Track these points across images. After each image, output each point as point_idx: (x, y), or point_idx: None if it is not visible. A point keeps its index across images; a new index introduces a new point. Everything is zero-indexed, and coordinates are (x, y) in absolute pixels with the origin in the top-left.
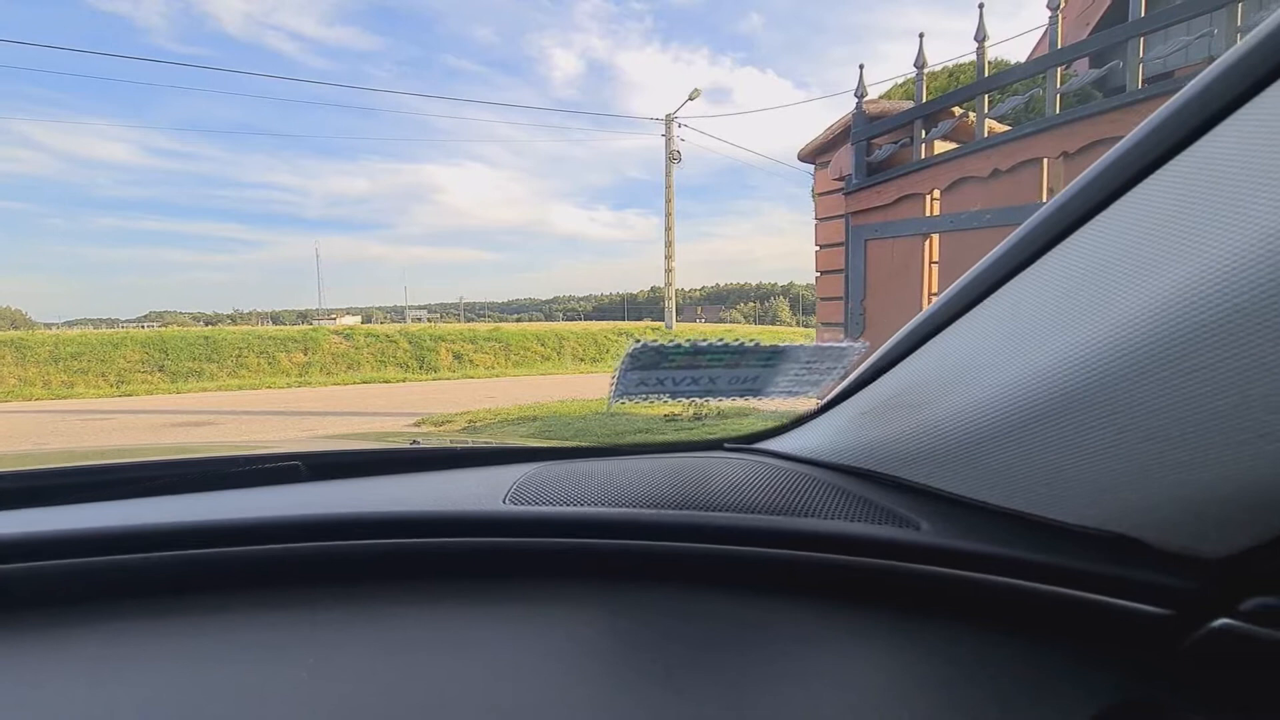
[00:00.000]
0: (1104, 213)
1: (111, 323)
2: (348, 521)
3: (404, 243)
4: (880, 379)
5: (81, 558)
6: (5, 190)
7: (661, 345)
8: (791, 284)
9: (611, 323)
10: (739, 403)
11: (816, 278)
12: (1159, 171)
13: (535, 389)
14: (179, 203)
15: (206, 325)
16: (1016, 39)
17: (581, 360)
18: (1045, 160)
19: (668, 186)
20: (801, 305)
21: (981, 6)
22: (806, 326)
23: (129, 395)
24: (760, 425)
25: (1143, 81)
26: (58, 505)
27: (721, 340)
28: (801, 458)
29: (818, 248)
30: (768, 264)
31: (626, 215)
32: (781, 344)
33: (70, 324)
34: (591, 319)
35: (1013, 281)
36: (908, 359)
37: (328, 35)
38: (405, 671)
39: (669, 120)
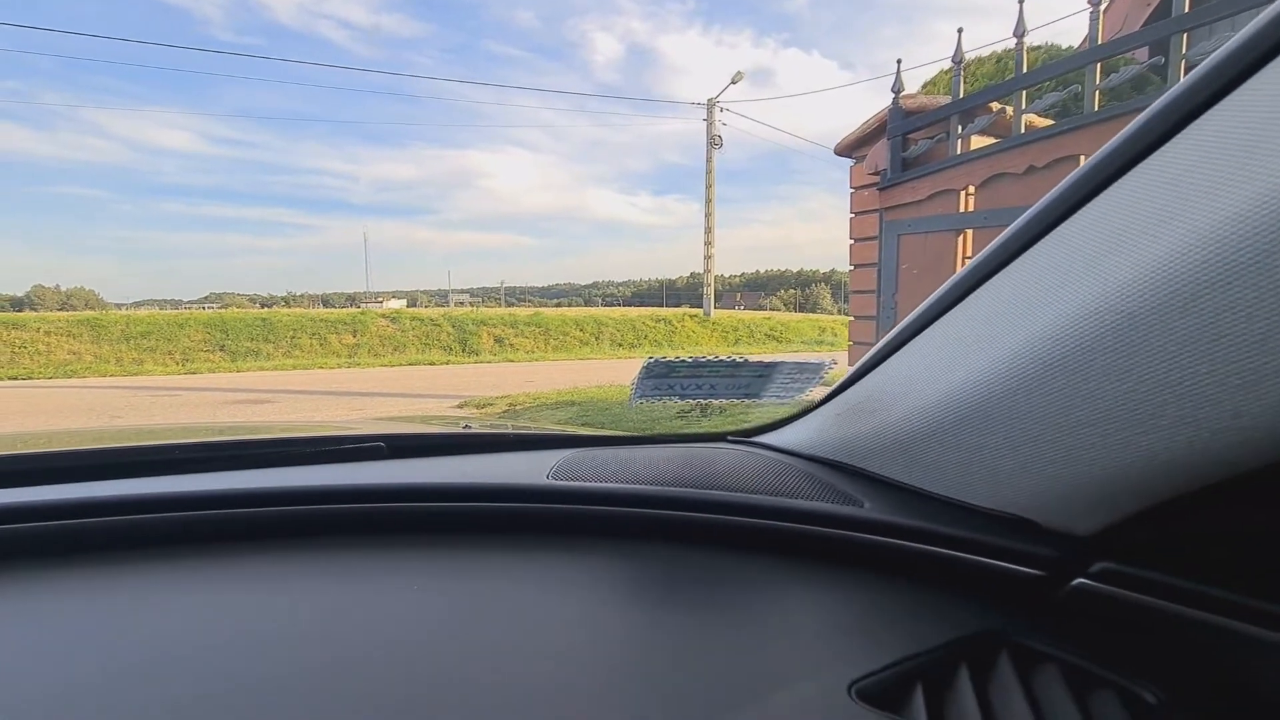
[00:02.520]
0: (1015, 262)
1: (175, 303)
2: (428, 490)
3: (448, 227)
4: (853, 387)
5: (222, 510)
6: (78, 176)
7: (670, 360)
8: (834, 271)
9: (650, 309)
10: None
11: (850, 270)
12: (1059, 227)
13: (573, 374)
14: (237, 188)
15: (262, 307)
16: (1071, 19)
17: (620, 346)
18: (1082, 158)
19: (709, 172)
20: (844, 293)
21: (1021, 1)
22: (848, 315)
23: (193, 373)
24: (760, 420)
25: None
26: (189, 474)
27: (720, 357)
28: (786, 449)
29: (852, 241)
30: (809, 250)
31: (666, 201)
32: (769, 359)
33: (137, 304)
34: (630, 304)
35: (952, 311)
36: (874, 370)
37: (375, 23)
38: (478, 600)
39: (711, 105)
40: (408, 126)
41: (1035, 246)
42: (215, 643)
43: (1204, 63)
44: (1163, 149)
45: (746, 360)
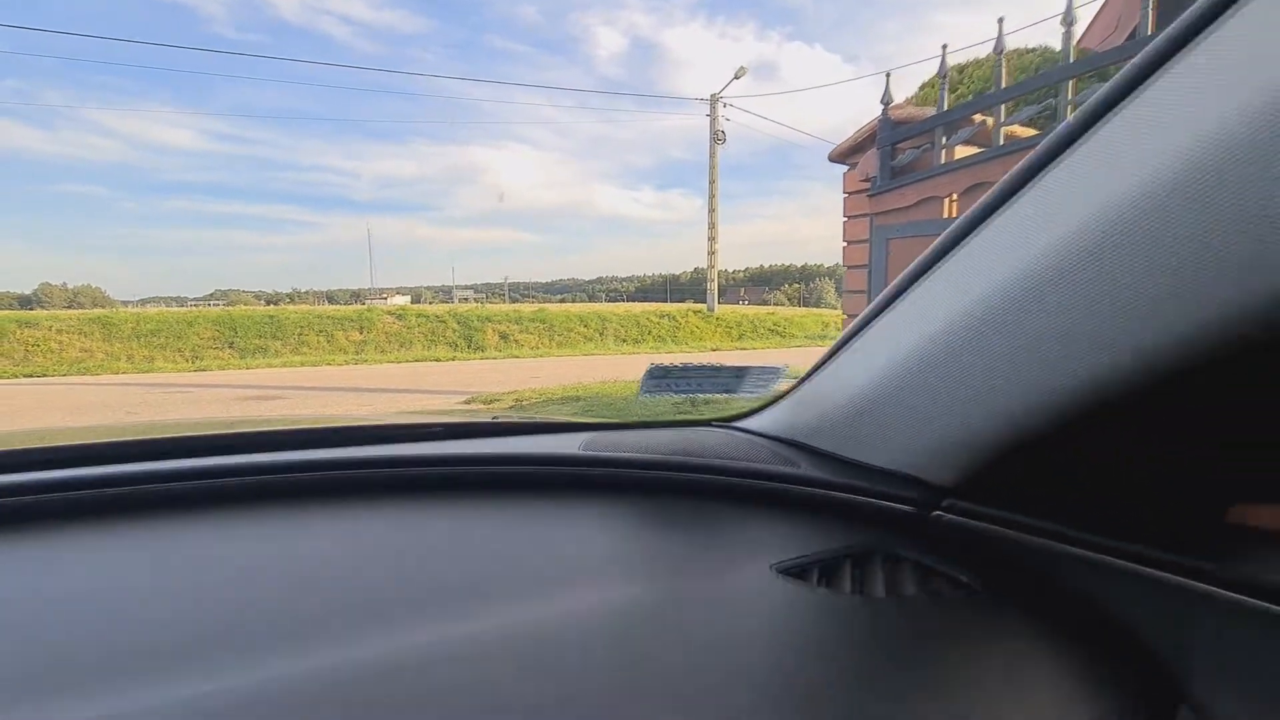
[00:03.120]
0: (919, 281)
1: (180, 301)
2: (489, 457)
3: (451, 224)
4: (806, 381)
5: (317, 473)
6: (81, 174)
7: (669, 365)
8: (837, 266)
9: (654, 304)
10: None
11: (844, 271)
12: (957, 249)
13: (578, 369)
14: (240, 185)
15: (268, 304)
16: (1067, 20)
17: (624, 341)
18: None
19: (711, 168)
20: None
21: (1001, 20)
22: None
23: (203, 370)
24: (738, 410)
25: None
26: (269, 453)
27: (705, 364)
28: (754, 431)
29: (845, 243)
30: (813, 245)
31: (670, 196)
32: (743, 365)
33: (143, 302)
34: (634, 300)
35: (878, 318)
36: (823, 367)
37: (377, 19)
38: (534, 536)
39: (714, 100)
40: (410, 124)
41: (933, 269)
42: (329, 571)
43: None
44: (1019, 194)
45: (724, 365)
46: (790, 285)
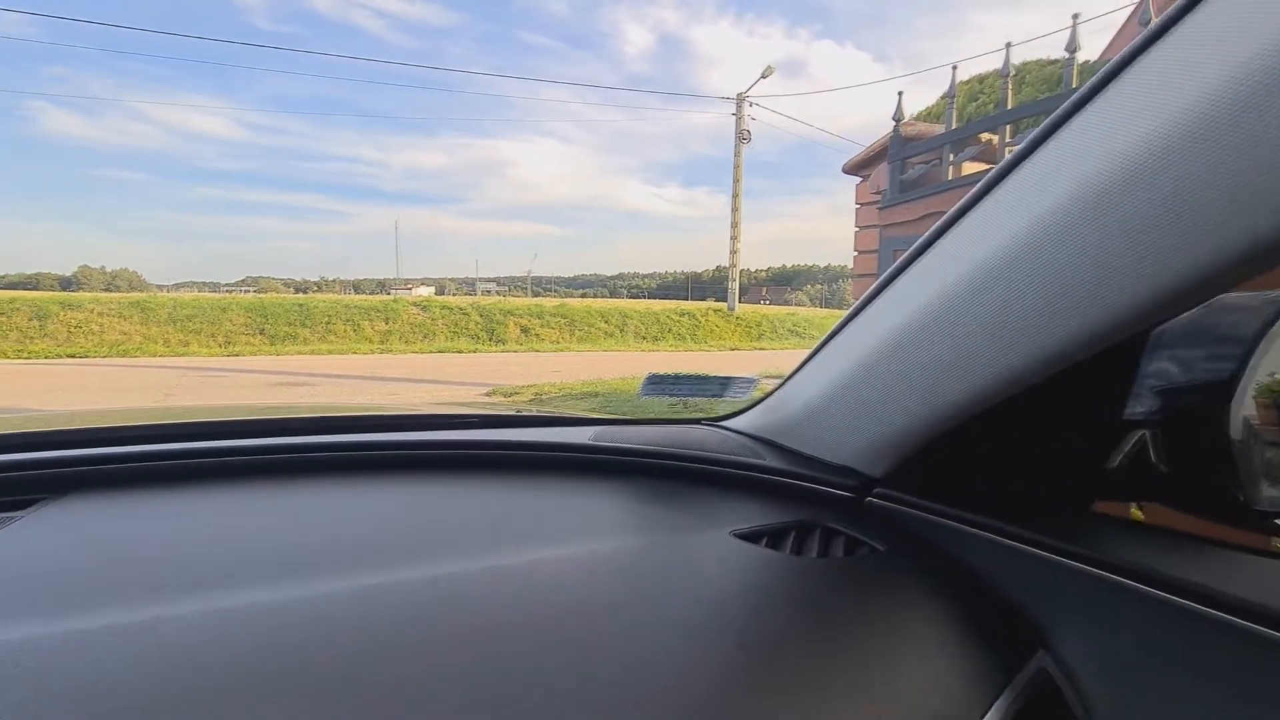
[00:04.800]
0: (882, 293)
1: (214, 286)
2: (516, 443)
3: (476, 216)
4: (783, 386)
5: (357, 452)
6: (121, 161)
7: (665, 375)
8: None
9: (675, 302)
10: (710, 400)
11: (853, 279)
12: (910, 267)
13: (597, 365)
14: (272, 174)
15: (297, 292)
16: (1095, 23)
17: (644, 339)
18: None
19: (736, 167)
20: None
21: (1009, 45)
22: None
23: (235, 355)
24: (725, 410)
25: None
26: (336, 434)
27: (696, 374)
28: (736, 430)
29: (856, 252)
30: (837, 245)
31: (695, 193)
32: (726, 376)
33: (177, 286)
34: (655, 297)
35: (845, 329)
36: (798, 373)
37: (409, 12)
38: (543, 506)
39: (740, 99)
40: (439, 116)
41: (889, 285)
42: (369, 536)
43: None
44: (967, 213)
45: (711, 375)
46: (813, 285)
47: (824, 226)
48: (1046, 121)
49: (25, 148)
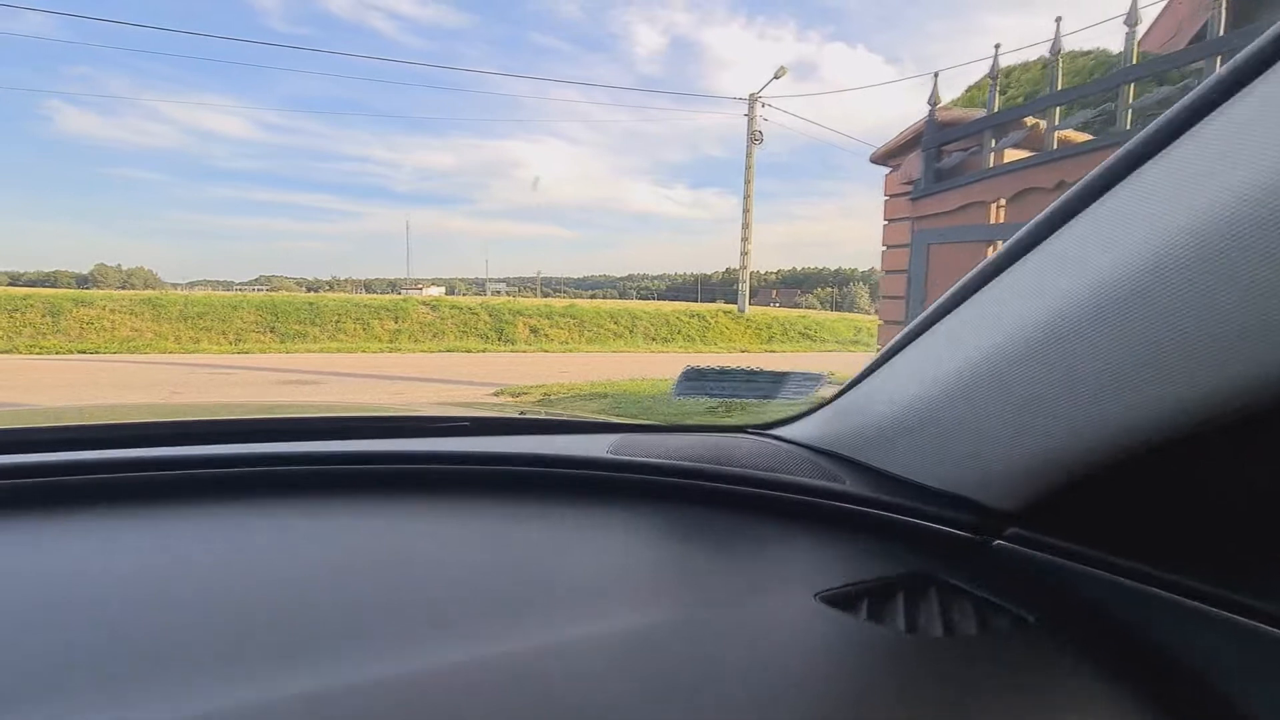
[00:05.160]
0: (983, 289)
1: (227, 285)
2: (516, 456)
3: (486, 217)
4: (851, 390)
5: (335, 466)
6: (137, 160)
7: (706, 368)
8: (873, 270)
9: (684, 303)
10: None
11: (881, 276)
12: (1024, 258)
13: (606, 366)
14: (285, 174)
15: (309, 291)
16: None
17: (653, 340)
18: None
19: (748, 168)
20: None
21: (1059, 20)
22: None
23: (245, 353)
24: (773, 417)
25: None
26: (314, 440)
27: (743, 368)
28: (792, 441)
29: (884, 247)
30: (849, 248)
31: (704, 194)
32: (782, 370)
33: (191, 285)
34: (665, 298)
35: (932, 327)
36: (869, 376)
37: (422, 14)
38: (552, 544)
39: (752, 100)
40: (450, 117)
41: (992, 282)
42: (320, 571)
43: (1200, 84)
44: (1109, 193)
45: (762, 370)
46: (823, 289)
47: (835, 229)
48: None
49: (43, 147)
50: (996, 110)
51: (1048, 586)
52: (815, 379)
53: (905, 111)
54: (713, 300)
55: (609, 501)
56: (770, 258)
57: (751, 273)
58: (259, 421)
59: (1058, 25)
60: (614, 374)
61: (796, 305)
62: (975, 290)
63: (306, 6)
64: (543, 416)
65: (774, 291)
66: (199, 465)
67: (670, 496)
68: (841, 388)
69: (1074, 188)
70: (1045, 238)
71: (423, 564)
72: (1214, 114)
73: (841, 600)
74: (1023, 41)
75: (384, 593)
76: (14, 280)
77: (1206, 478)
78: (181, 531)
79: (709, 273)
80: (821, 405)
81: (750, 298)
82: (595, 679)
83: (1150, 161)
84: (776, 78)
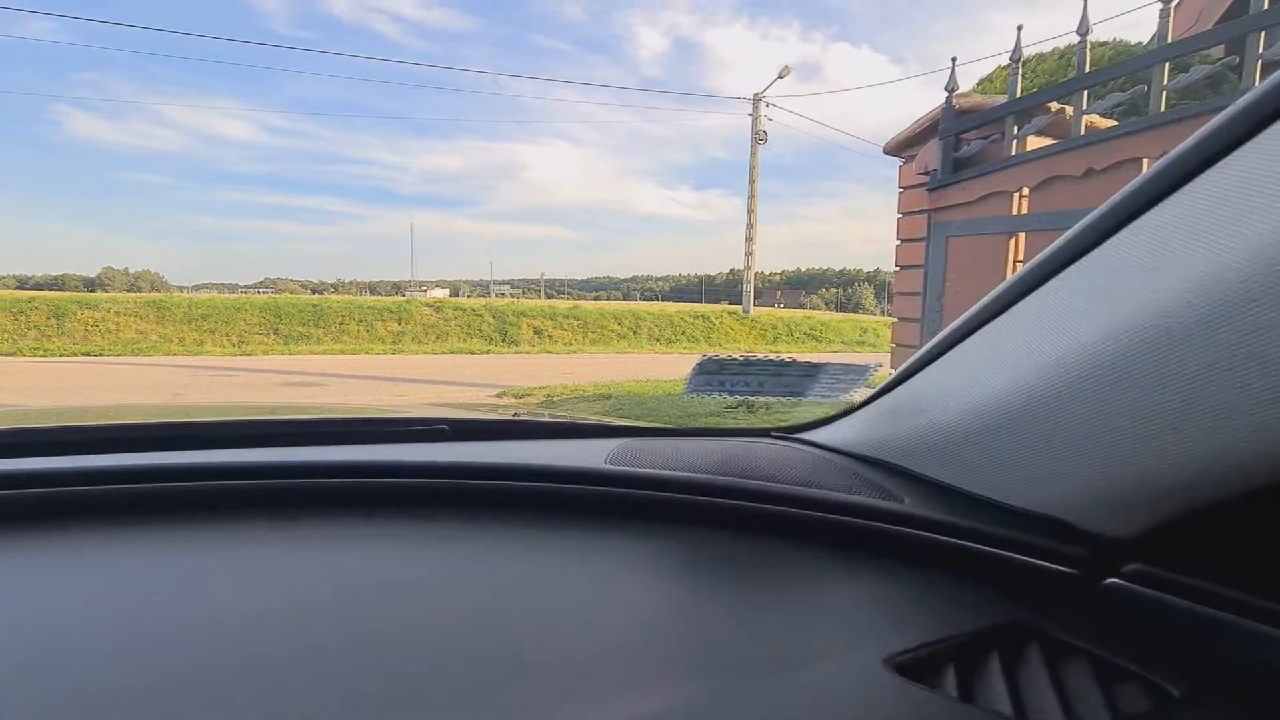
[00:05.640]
0: (1062, 273)
1: (232, 287)
2: (494, 469)
3: (490, 219)
4: (897, 388)
5: (295, 480)
6: (145, 164)
7: (722, 358)
8: (878, 270)
9: (688, 305)
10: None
11: (895, 272)
12: (1108, 241)
13: (611, 367)
14: (291, 177)
15: (314, 293)
16: (1139, 13)
17: (657, 341)
18: (1145, 161)
19: (752, 168)
20: (886, 294)
21: (1086, 1)
22: (890, 316)
23: (248, 355)
24: (805, 418)
25: (1259, 78)
26: (265, 447)
27: (770, 358)
28: (828, 446)
29: (899, 241)
30: (853, 249)
31: (708, 195)
32: (817, 360)
33: (198, 287)
34: (669, 299)
35: (998, 318)
36: (919, 373)
37: (426, 16)
38: (538, 573)
39: (756, 100)
40: (455, 119)
41: (1082, 259)
42: (277, 606)
43: (1264, 82)
44: (1212, 169)
45: (794, 360)
46: (828, 289)
47: (839, 230)
48: None
49: (52, 151)
50: (1019, 96)
51: (1185, 643)
52: (862, 370)
53: (910, 110)
54: (717, 301)
55: (608, 526)
56: (774, 259)
57: (756, 274)
58: (175, 426)
59: (1085, 4)
60: (618, 375)
61: (801, 306)
62: (1050, 277)
63: (310, 9)
64: (534, 419)
65: (778, 292)
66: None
67: (682, 518)
68: (880, 387)
69: (1185, 143)
70: (1137, 215)
71: (366, 612)
72: None
73: (919, 668)
74: (1028, 39)
75: (301, 654)
76: (22, 283)
77: None
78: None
79: (713, 274)
80: (857, 408)
81: (755, 298)
82: None
83: None
84: (781, 77)
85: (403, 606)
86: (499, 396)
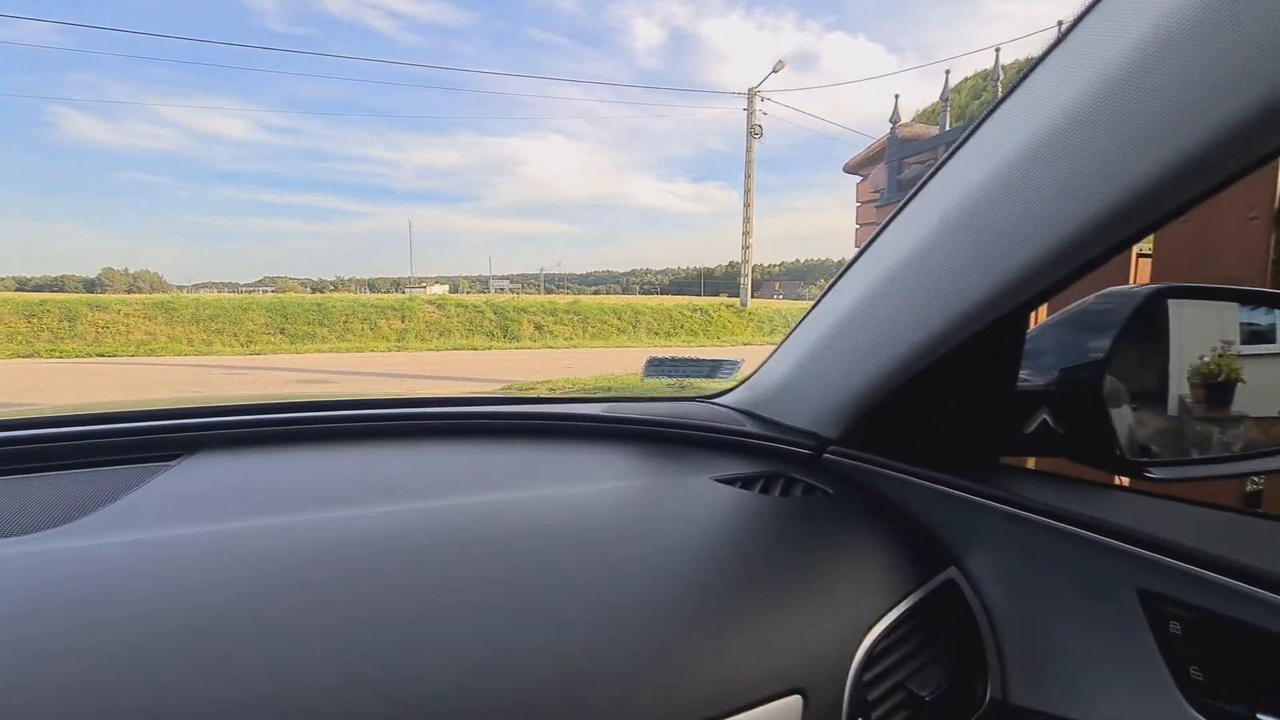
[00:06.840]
0: (846, 274)
1: (232, 286)
2: (540, 414)
3: (489, 215)
4: (764, 366)
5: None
6: (142, 164)
7: (666, 357)
8: None
9: (687, 298)
10: (705, 380)
11: None
12: (868, 251)
13: (611, 361)
14: (288, 175)
15: (314, 291)
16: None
17: (656, 335)
18: None
19: (748, 163)
20: None
21: (998, 50)
22: None
23: (257, 354)
24: (718, 389)
25: None
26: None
27: (690, 357)
28: (723, 404)
29: (856, 249)
30: (849, 239)
31: (706, 188)
32: (718, 358)
33: (197, 286)
34: (668, 293)
35: (813, 312)
36: (774, 355)
37: (419, 11)
38: (561, 462)
39: (751, 94)
40: (451, 115)
41: (854, 268)
42: (419, 485)
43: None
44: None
45: (704, 358)
46: (825, 280)
47: (837, 221)
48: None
49: (47, 152)
50: (948, 129)
51: (846, 477)
52: (735, 364)
53: (905, 103)
54: (716, 294)
55: (602, 441)
56: (773, 250)
57: (754, 266)
58: (357, 399)
59: (997, 54)
60: (617, 369)
61: (800, 297)
62: (831, 288)
63: (303, 6)
64: (552, 394)
65: (777, 284)
66: (351, 420)
67: (643, 438)
68: (759, 365)
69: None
70: (867, 247)
71: (487, 467)
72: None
73: (727, 481)
74: (1024, 28)
75: (470, 477)
76: (21, 285)
77: (938, 406)
78: (363, 457)
79: (712, 267)
80: (748, 378)
81: (753, 291)
82: (582, 509)
83: (922, 190)
84: (775, 72)
85: (495, 474)
86: (504, 389)
